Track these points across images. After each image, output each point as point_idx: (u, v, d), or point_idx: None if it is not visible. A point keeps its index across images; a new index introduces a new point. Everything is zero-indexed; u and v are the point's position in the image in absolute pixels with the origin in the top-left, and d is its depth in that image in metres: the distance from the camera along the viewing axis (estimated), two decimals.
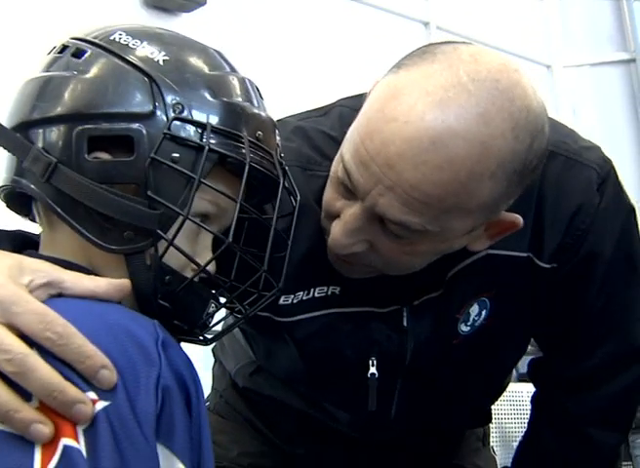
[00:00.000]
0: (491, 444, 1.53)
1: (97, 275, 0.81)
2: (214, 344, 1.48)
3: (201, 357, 1.48)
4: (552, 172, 1.11)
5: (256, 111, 0.89)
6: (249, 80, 0.91)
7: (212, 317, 0.88)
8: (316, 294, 1.12)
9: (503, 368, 1.30)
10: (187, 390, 0.75)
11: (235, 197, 0.84)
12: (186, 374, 0.76)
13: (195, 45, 0.90)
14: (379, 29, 4.15)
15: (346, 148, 0.97)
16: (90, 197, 0.80)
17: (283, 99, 3.59)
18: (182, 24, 3.57)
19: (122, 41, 0.86)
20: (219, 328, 0.99)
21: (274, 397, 1.32)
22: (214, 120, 0.84)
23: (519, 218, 1.02)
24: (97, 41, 0.86)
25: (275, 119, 1.19)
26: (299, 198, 0.94)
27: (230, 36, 3.66)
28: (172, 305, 0.84)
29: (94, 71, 0.84)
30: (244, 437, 1.41)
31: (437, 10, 4.64)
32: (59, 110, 0.82)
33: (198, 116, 0.83)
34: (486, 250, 1.09)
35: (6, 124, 0.85)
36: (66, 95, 0.83)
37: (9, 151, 0.84)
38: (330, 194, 1.03)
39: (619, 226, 1.15)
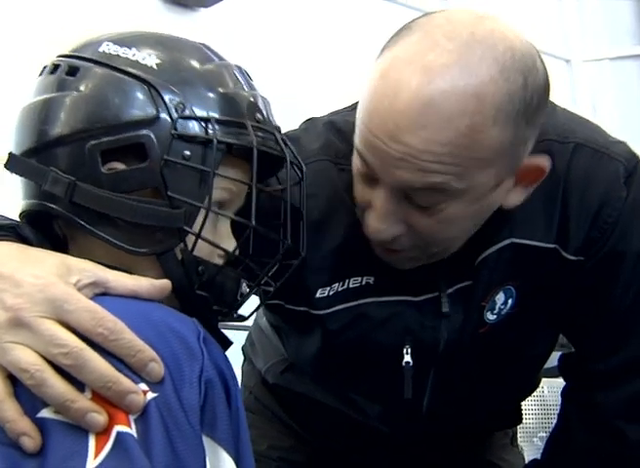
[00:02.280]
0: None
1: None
2: (244, 343, 1.52)
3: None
4: (579, 164, 1.11)
5: (251, 95, 0.92)
6: (237, 66, 0.94)
7: (244, 295, 0.92)
8: (351, 285, 1.13)
9: (532, 360, 1.30)
10: (227, 383, 0.79)
11: (246, 180, 0.89)
12: (225, 369, 0.79)
13: (182, 42, 0.93)
14: (394, 23, 4.12)
15: (356, 138, 1.01)
16: (114, 208, 0.83)
17: (303, 93, 3.60)
18: (201, 20, 3.58)
19: (111, 51, 0.88)
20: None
21: (305, 394, 1.33)
22: (215, 112, 0.87)
23: (544, 161, 1.03)
24: (87, 56, 0.88)
25: (307, 118, 1.22)
26: (304, 168, 0.97)
27: (249, 31, 3.67)
28: (209, 293, 0.87)
29: (91, 87, 0.86)
30: (273, 431, 1.43)
31: (456, 4, 4.63)
32: (66, 130, 0.85)
33: (200, 111, 0.86)
34: (511, 238, 1.10)
35: (15, 152, 0.88)
36: (70, 114, 0.85)
37: (27, 178, 0.87)
38: (358, 188, 1.05)
39: None
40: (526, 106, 0.95)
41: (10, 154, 0.88)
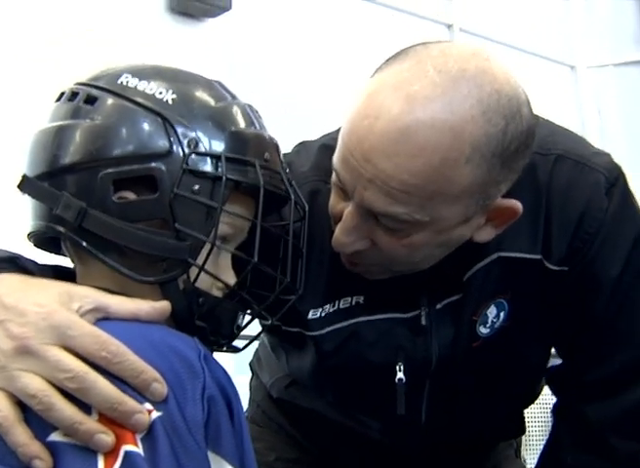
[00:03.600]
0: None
1: None
2: (251, 358, 1.54)
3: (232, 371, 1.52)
4: (561, 175, 1.13)
5: (260, 134, 0.94)
6: (249, 106, 0.97)
7: (241, 327, 0.95)
8: (341, 306, 1.16)
9: (529, 371, 1.30)
10: (229, 399, 0.81)
11: (250, 217, 0.92)
12: (227, 385, 0.81)
13: (198, 79, 0.95)
14: (402, 32, 4.17)
15: (335, 152, 1.03)
16: (122, 236, 0.86)
17: (308, 101, 3.62)
18: (207, 30, 3.60)
19: (130, 84, 0.90)
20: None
21: (308, 408, 1.35)
22: (225, 149, 0.90)
23: (517, 204, 1.04)
24: (105, 86, 0.91)
25: (301, 141, 1.24)
26: (307, 207, 1.00)
27: (255, 41, 3.70)
28: (207, 323, 0.90)
29: (107, 116, 0.88)
30: (280, 444, 1.45)
31: (460, 12, 4.65)
32: (80, 158, 0.87)
33: (211, 148, 0.89)
34: (498, 252, 1.12)
35: (28, 174, 0.90)
36: (85, 142, 0.88)
37: (39, 200, 0.89)
38: (333, 199, 1.07)
39: (630, 235, 1.15)
40: (503, 150, 0.96)
41: (24, 176, 0.91)
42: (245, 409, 1.52)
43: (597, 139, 4.64)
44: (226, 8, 3.58)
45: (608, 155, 1.18)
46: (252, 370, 1.55)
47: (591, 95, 5.05)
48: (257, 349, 1.54)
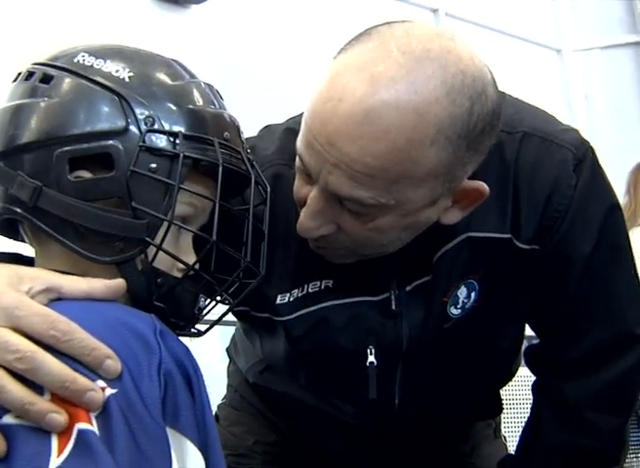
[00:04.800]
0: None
1: None
2: (228, 344, 1.54)
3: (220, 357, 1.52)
4: (528, 153, 1.12)
5: (220, 113, 0.93)
6: (208, 85, 0.96)
7: (202, 310, 0.94)
8: (310, 290, 1.15)
9: (502, 351, 1.30)
10: (188, 373, 0.80)
11: (211, 197, 0.90)
12: (185, 360, 0.81)
13: (156, 58, 0.94)
14: (387, 17, 4.13)
15: (299, 136, 1.01)
16: (78, 215, 0.85)
17: (292, 90, 3.61)
18: (192, 17, 3.59)
19: (86, 62, 0.89)
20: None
21: (284, 392, 1.34)
22: (183, 128, 0.89)
23: (483, 185, 1.03)
24: (62, 65, 0.90)
25: (268, 123, 1.23)
26: (268, 189, 0.99)
27: (240, 27, 3.68)
28: (166, 305, 0.89)
29: (64, 95, 0.87)
30: (258, 427, 1.45)
31: None
32: (36, 136, 0.86)
33: (169, 126, 0.88)
34: (467, 232, 1.11)
35: None
36: (41, 120, 0.87)
37: None
38: (297, 184, 1.06)
39: (600, 211, 1.15)
40: (468, 131, 0.95)
41: None
42: (224, 395, 1.54)
43: (584, 122, 4.64)
44: None
45: (575, 131, 1.17)
46: (229, 355, 1.55)
47: (578, 78, 5.04)
48: (233, 335, 1.54)
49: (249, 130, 1.07)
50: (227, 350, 1.55)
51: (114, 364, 0.75)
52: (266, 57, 3.69)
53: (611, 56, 5.14)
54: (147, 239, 0.86)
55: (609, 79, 5.10)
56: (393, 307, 1.15)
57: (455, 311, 1.17)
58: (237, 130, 0.95)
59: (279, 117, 1.24)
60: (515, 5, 4.87)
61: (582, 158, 1.13)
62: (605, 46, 5.12)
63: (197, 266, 0.91)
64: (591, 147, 1.16)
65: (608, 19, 5.21)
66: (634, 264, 1.21)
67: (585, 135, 1.19)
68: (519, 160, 1.11)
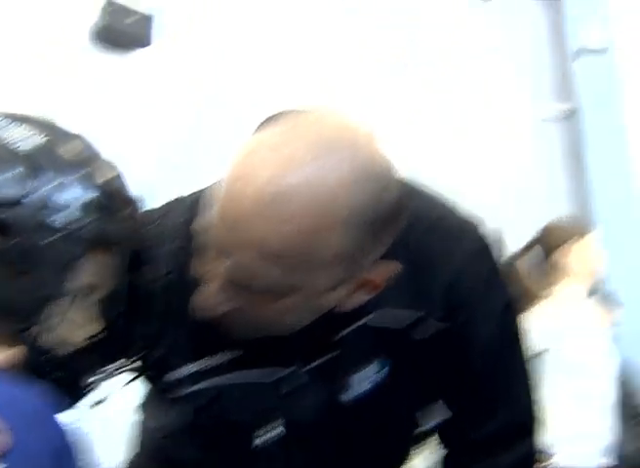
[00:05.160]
0: None
1: None
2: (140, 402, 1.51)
3: None
4: (431, 245, 1.14)
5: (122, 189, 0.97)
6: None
7: (90, 387, 0.97)
8: (209, 364, 1.14)
9: (403, 430, 1.30)
10: (69, 448, 0.83)
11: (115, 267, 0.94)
12: (68, 435, 0.83)
13: (64, 132, 0.97)
14: None
15: (205, 211, 1.01)
16: None
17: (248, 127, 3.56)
18: (136, 60, 3.54)
19: None
20: None
21: (182, 460, 1.32)
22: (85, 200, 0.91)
23: (391, 266, 1.04)
24: None
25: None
26: (169, 266, 1.04)
27: (185, 71, 3.64)
28: (61, 374, 0.91)
29: None
30: None
31: None
32: None
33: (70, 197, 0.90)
34: (377, 309, 1.12)
35: None
36: None
37: None
38: (200, 259, 1.05)
39: (500, 302, 1.19)
40: (374, 221, 0.97)
41: None
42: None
43: None
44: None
45: (477, 225, 1.20)
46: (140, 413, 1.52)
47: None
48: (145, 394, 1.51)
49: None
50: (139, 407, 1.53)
51: (4, 439, 0.75)
52: (213, 97, 3.65)
53: None
54: (42, 316, 0.88)
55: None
56: (293, 384, 1.15)
57: (358, 389, 1.17)
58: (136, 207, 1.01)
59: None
60: None
61: (483, 251, 1.18)
62: None
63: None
64: (490, 241, 1.20)
65: None
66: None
67: None
68: (422, 252, 1.13)
